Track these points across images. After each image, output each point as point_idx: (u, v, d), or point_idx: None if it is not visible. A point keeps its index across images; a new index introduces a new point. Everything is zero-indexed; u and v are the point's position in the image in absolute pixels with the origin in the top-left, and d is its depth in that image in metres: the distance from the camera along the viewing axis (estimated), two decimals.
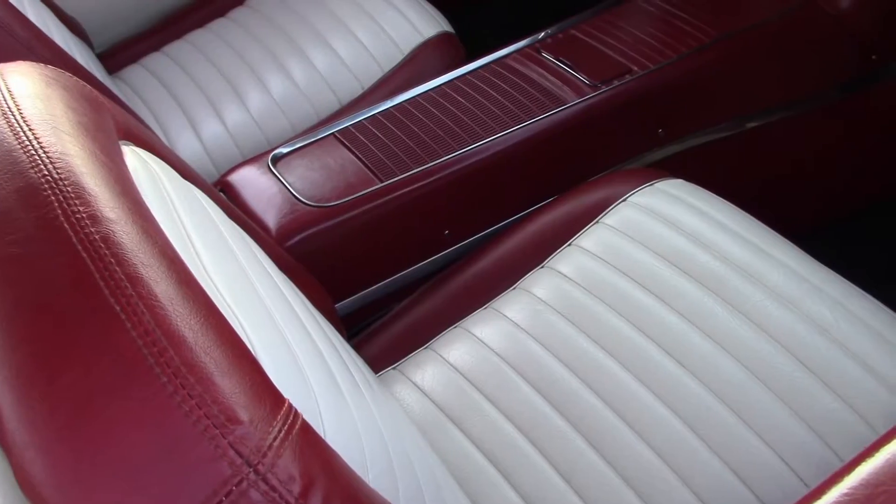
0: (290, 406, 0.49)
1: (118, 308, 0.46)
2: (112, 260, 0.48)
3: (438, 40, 1.55)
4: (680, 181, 1.19)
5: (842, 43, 1.41)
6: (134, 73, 1.63)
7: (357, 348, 1.11)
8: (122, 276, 0.48)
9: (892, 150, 1.59)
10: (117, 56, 1.69)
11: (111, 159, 0.58)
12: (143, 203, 0.57)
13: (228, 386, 0.46)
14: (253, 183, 1.22)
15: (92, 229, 0.49)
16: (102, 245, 0.49)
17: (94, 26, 1.68)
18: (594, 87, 1.29)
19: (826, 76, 1.43)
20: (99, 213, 0.51)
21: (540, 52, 1.37)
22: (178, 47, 1.67)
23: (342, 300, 1.19)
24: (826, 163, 1.53)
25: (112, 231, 0.50)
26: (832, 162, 1.54)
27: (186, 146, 1.48)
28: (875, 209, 1.62)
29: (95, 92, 0.69)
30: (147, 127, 1.20)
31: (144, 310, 0.46)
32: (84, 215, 0.50)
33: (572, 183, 1.25)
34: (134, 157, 0.67)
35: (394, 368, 1.07)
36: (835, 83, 1.43)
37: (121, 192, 0.54)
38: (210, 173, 1.44)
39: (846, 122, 1.49)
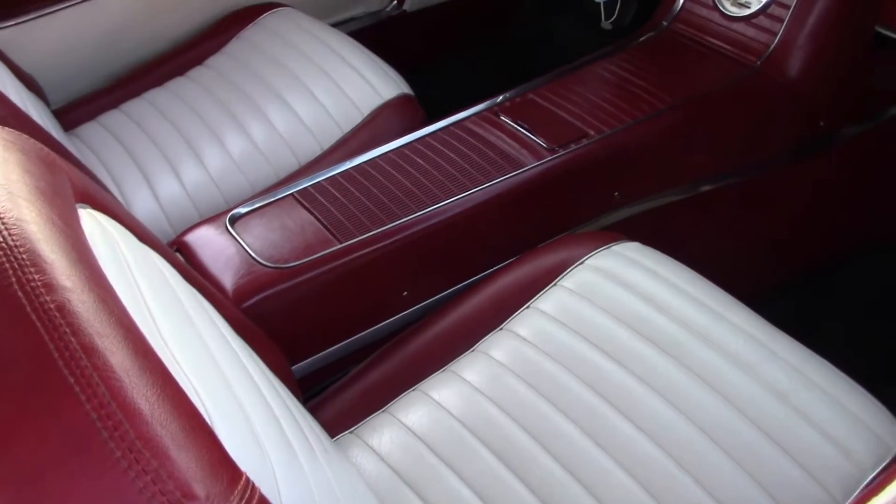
0: (248, 480, 0.48)
1: (72, 380, 0.45)
2: (67, 329, 0.47)
3: (398, 102, 1.56)
4: (636, 244, 1.21)
5: (790, 110, 1.45)
6: (90, 130, 1.62)
7: (313, 411, 1.09)
8: (77, 347, 0.46)
9: (842, 213, 1.63)
10: (74, 113, 1.68)
11: (68, 225, 0.57)
12: (101, 270, 0.56)
13: (185, 460, 0.45)
14: (210, 243, 1.21)
15: (47, 298, 0.48)
16: (57, 314, 0.48)
17: (51, 83, 1.67)
18: (552, 151, 1.31)
19: (776, 142, 1.46)
20: (54, 282, 0.50)
21: (498, 116, 1.39)
22: (135, 105, 1.66)
23: (299, 362, 1.18)
24: (777, 226, 1.56)
25: (67, 300, 0.49)
26: (783, 225, 1.57)
27: (142, 205, 1.47)
28: (828, 271, 1.66)
29: (53, 154, 0.69)
30: (103, 187, 1.19)
31: (99, 381, 0.45)
32: (39, 283, 0.49)
33: (530, 245, 1.26)
34: (91, 221, 0.66)
35: (350, 432, 1.06)
36: (785, 149, 1.47)
37: (77, 260, 0.53)
38: (166, 233, 1.43)
39: (797, 187, 1.52)
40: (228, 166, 1.50)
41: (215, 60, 1.73)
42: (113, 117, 1.64)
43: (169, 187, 1.49)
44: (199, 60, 1.74)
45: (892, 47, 1.43)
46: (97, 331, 0.48)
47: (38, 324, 0.47)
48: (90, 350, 0.47)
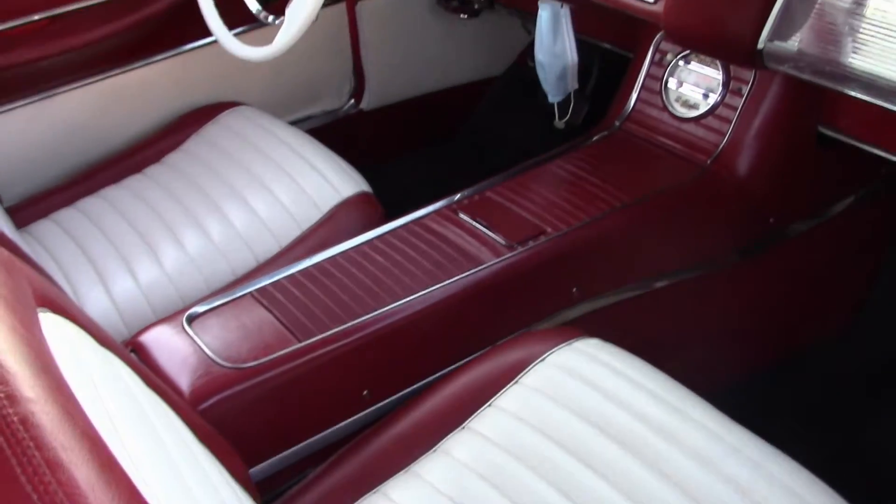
0: None
1: (35, 497, 0.44)
2: (31, 444, 0.46)
3: (357, 200, 1.58)
4: (596, 340, 1.21)
5: (741, 207, 1.49)
6: (43, 227, 1.60)
7: None
8: (42, 461, 0.45)
9: (795, 307, 1.66)
10: (27, 210, 1.66)
11: (30, 332, 0.56)
12: (64, 379, 0.54)
13: None
14: (167, 343, 1.19)
15: (10, 410, 0.47)
16: (21, 427, 0.46)
17: (4, 180, 1.66)
18: (510, 248, 1.32)
19: (728, 239, 1.50)
20: (18, 393, 0.48)
21: (457, 213, 1.40)
22: (90, 202, 1.64)
23: (257, 464, 1.15)
24: (733, 320, 1.58)
25: (31, 412, 0.47)
26: (739, 320, 1.59)
27: (96, 304, 1.44)
28: (784, 364, 1.68)
29: (13, 257, 0.68)
30: (57, 286, 1.17)
31: (64, 498, 0.44)
32: (2, 395, 0.48)
33: (490, 342, 1.26)
34: (51, 325, 0.65)
35: None
36: (737, 245, 1.50)
37: (41, 369, 0.52)
38: (120, 332, 1.40)
39: (750, 282, 1.55)
40: (185, 264, 1.49)
41: (173, 158, 1.74)
42: (67, 215, 1.62)
43: (123, 286, 1.47)
44: (156, 158, 1.74)
45: (835, 146, 1.48)
46: (61, 444, 0.46)
47: (1, 438, 0.46)
48: (54, 465, 0.45)
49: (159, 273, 1.48)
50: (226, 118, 1.79)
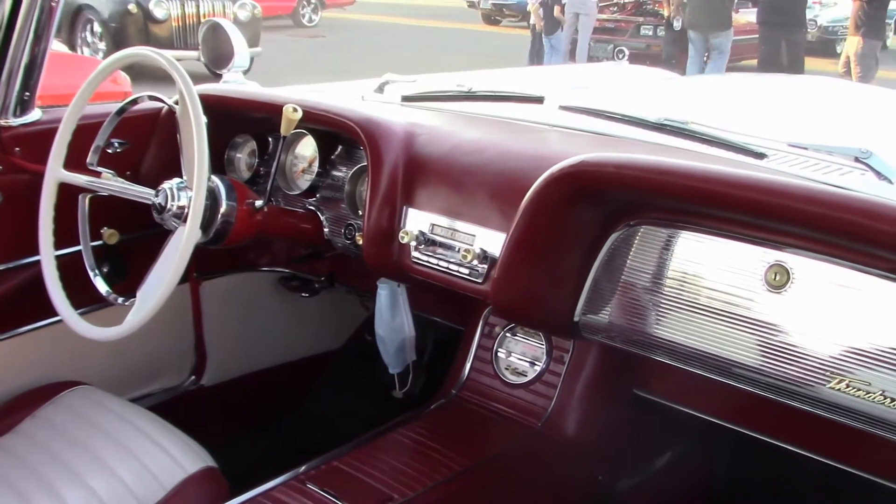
0: None
1: None
2: None
3: (201, 475, 1.56)
4: None
5: (572, 467, 1.59)
6: None
7: None
8: None
9: None
10: None
11: None
12: None
13: None
14: None
15: None
16: None
17: None
18: None
19: (563, 498, 1.58)
20: None
21: (305, 484, 1.42)
22: None
23: None
24: None
25: None
26: None
27: None
28: None
29: None
30: None
31: None
32: None
33: None
34: None
35: None
36: None
37: None
38: None
39: None
40: None
41: (5, 441, 1.67)
42: None
43: None
44: None
45: (651, 407, 1.63)
46: None
47: None
48: None
49: None
50: (65, 398, 1.77)
